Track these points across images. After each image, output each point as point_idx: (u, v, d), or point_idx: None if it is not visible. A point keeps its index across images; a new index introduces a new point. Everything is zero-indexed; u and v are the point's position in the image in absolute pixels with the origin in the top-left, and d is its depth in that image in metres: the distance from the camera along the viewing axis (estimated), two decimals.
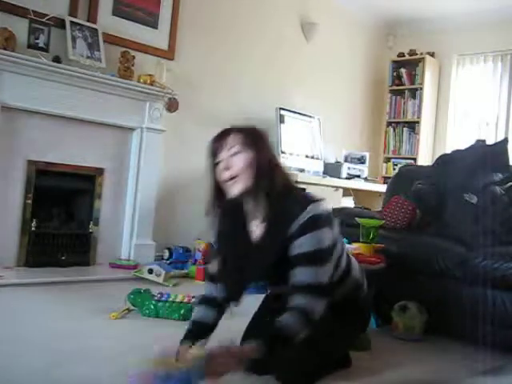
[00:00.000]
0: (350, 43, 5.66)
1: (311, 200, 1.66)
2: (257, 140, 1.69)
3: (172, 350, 1.48)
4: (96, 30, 3.52)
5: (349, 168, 5.09)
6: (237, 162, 1.64)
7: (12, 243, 3.25)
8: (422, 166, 3.84)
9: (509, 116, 5.33)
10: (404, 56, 5.81)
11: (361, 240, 2.62)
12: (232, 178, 1.65)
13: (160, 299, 2.55)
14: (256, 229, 1.73)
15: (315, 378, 1.79)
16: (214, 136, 1.71)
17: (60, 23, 3.37)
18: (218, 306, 1.77)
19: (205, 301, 1.79)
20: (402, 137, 5.80)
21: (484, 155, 2.83)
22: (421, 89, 5.64)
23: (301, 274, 1.60)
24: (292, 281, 1.61)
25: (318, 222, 1.62)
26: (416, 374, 2.03)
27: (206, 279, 1.92)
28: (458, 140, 5.46)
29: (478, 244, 2.52)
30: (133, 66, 3.64)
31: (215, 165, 1.69)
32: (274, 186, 1.66)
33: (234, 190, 1.65)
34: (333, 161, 5.25)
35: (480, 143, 3.00)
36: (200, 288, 3.23)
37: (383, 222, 2.78)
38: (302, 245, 1.60)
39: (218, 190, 1.71)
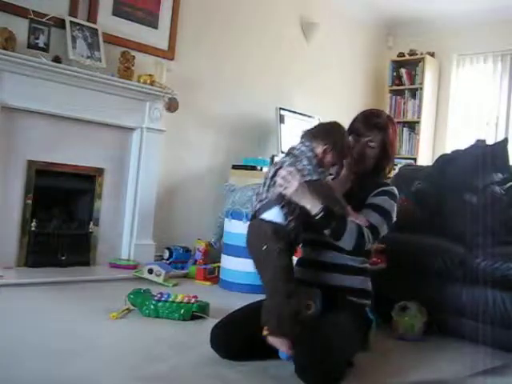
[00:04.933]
0: (350, 43, 5.66)
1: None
2: (388, 145, 2.12)
3: None
4: (96, 30, 3.52)
5: None
6: (367, 153, 2.09)
7: (12, 243, 3.25)
8: (422, 166, 3.83)
9: (509, 116, 5.32)
10: (404, 56, 5.81)
11: None
12: (356, 160, 2.09)
13: (160, 299, 2.55)
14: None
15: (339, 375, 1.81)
16: (363, 116, 2.14)
17: (60, 23, 3.37)
18: None
19: None
20: (401, 137, 5.80)
21: (484, 155, 2.82)
22: (421, 89, 5.64)
23: (370, 215, 1.98)
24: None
25: (395, 197, 2.10)
26: (416, 373, 2.03)
27: None
28: (458, 140, 5.45)
29: (477, 244, 2.52)
30: (133, 66, 3.64)
31: (350, 134, 2.09)
32: (377, 174, 2.16)
33: (354, 168, 2.12)
34: None
35: (480, 143, 2.99)
36: (200, 288, 3.26)
37: None
38: (379, 200, 2.04)
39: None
